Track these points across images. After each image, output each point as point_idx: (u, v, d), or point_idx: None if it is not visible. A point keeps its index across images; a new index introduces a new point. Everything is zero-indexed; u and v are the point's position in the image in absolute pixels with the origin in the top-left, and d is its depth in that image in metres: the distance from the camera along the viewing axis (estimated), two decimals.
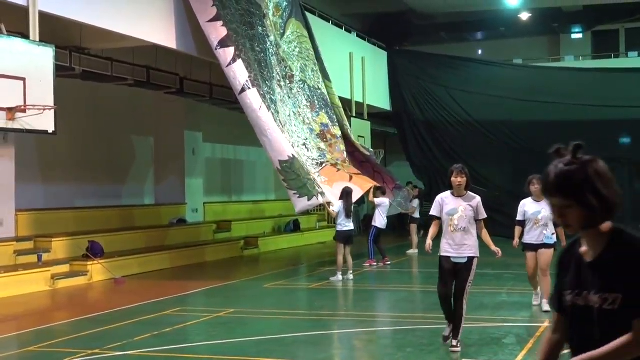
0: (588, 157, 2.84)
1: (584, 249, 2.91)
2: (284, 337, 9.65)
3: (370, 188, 17.65)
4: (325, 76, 19.64)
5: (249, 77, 15.81)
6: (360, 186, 17.19)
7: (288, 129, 16.77)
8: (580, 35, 31.17)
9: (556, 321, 3.08)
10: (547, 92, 25.36)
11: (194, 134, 21.55)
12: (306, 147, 17.40)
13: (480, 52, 32.31)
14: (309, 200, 15.66)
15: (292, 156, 15.73)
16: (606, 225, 2.87)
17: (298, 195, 15.64)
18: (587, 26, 30.71)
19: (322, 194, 16.00)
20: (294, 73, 18.15)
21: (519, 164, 23.53)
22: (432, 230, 8.69)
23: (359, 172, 18.63)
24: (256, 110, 15.73)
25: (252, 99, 15.76)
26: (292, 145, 16.42)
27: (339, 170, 17.48)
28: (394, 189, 19.89)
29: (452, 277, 8.39)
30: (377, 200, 17.57)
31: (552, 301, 3.13)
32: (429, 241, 8.64)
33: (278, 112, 16.52)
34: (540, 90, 25.46)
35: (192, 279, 15.68)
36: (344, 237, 15.03)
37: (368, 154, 19.92)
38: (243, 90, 15.73)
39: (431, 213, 8.65)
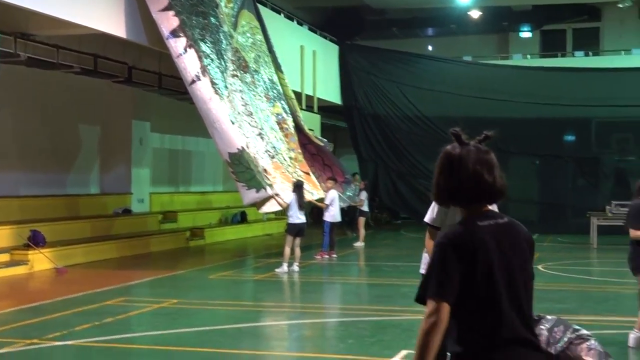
0: (461, 145, 3.12)
1: None
2: (228, 328, 9.64)
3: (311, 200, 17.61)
4: (278, 68, 19.63)
5: (200, 67, 15.69)
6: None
7: (242, 120, 16.69)
8: (528, 34, 31.58)
9: None
10: (495, 89, 25.67)
11: (141, 123, 21.33)
12: (261, 138, 17.35)
13: (430, 48, 32.55)
14: (257, 192, 15.63)
15: (241, 148, 15.66)
16: (476, 209, 3.10)
17: (246, 188, 15.60)
18: (536, 25, 31.13)
19: (270, 186, 15.99)
20: (248, 64, 18.09)
21: None
22: (429, 246, 5.89)
23: (308, 171, 18.67)
24: (207, 101, 15.62)
25: (203, 90, 15.64)
26: (245, 135, 16.33)
27: (284, 172, 17.43)
28: (343, 183, 19.99)
29: None
30: (326, 201, 17.56)
31: None
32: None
33: (232, 103, 16.45)
34: (489, 88, 25.75)
35: (137, 269, 15.54)
36: (295, 230, 15.02)
37: (322, 144, 20.01)
38: (194, 81, 15.60)
39: (427, 220, 6.02)
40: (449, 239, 3.00)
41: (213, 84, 15.85)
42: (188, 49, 15.57)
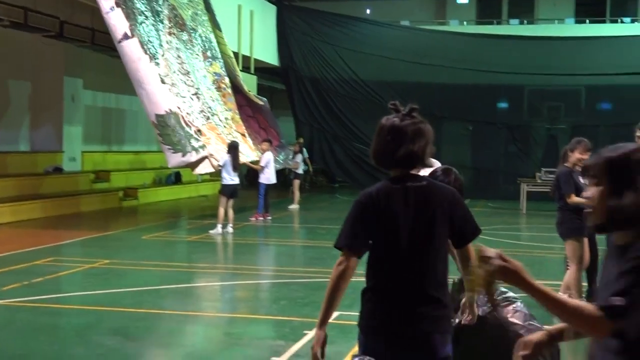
0: (396, 115, 3.39)
1: None
2: (160, 288, 9.59)
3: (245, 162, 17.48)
4: (216, 26, 19.39)
5: (129, 26, 15.33)
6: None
7: (177, 79, 16.43)
8: (465, 1, 31.82)
9: None
10: (431, 55, 25.80)
11: (73, 80, 20.84)
12: (197, 98, 17.11)
13: (368, 11, 32.51)
14: (183, 156, 15.45)
15: (169, 111, 15.43)
16: (396, 172, 3.41)
17: (172, 151, 15.40)
18: None
19: (203, 147, 15.81)
20: (185, 22, 17.78)
21: None
22: None
23: (244, 132, 18.55)
24: (135, 61, 15.31)
25: (132, 49, 15.31)
26: (177, 95, 16.09)
27: (219, 134, 17.27)
28: (277, 147, 19.95)
29: None
30: (262, 163, 17.50)
31: None
32: None
33: (167, 61, 16.17)
34: (426, 53, 25.87)
35: (67, 229, 15.28)
36: (229, 191, 15.00)
37: (262, 103, 19.87)
38: (122, 39, 15.28)
39: None
40: (362, 197, 3.40)
41: (144, 43, 15.54)
42: (115, 7, 15.19)
